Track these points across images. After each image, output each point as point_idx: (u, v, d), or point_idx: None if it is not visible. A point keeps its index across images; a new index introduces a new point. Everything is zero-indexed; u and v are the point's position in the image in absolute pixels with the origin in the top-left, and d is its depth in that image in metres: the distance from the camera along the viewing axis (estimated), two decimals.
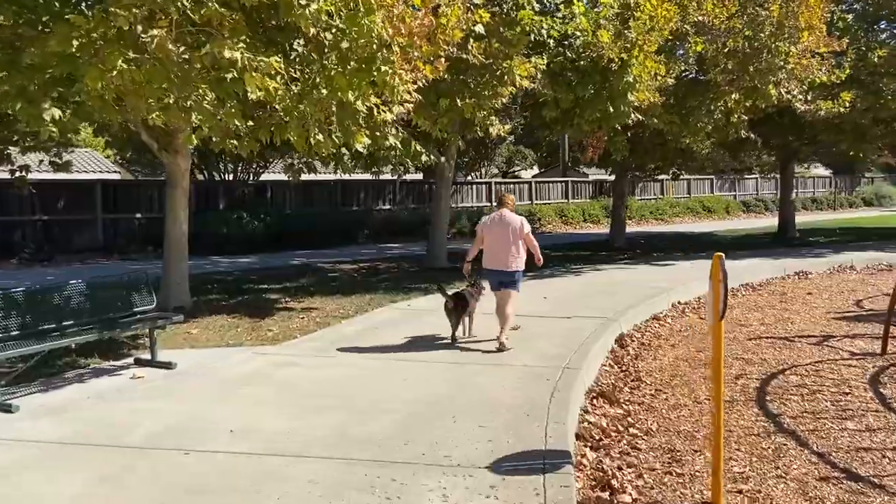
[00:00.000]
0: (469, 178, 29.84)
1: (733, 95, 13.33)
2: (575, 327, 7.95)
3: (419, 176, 25.75)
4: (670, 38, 11.93)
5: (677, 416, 5.63)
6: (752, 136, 15.63)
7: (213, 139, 6.90)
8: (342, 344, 7.47)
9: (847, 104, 14.24)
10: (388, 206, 23.46)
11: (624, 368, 7.00)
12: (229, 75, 6.24)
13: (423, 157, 10.72)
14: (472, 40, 8.55)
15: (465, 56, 8.38)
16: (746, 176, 34.19)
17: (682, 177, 27.02)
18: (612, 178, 31.28)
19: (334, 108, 7.07)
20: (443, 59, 7.07)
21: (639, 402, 5.93)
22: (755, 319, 9.28)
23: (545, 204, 27.50)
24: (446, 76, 8.54)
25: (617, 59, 10.71)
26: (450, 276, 12.74)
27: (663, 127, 13.40)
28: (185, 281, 9.55)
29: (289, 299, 10.41)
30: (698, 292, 11.06)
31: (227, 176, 21.66)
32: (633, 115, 11.44)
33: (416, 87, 6.97)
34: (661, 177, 24.53)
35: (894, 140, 16.72)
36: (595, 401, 5.87)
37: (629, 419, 5.48)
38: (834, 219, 30.85)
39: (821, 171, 44.70)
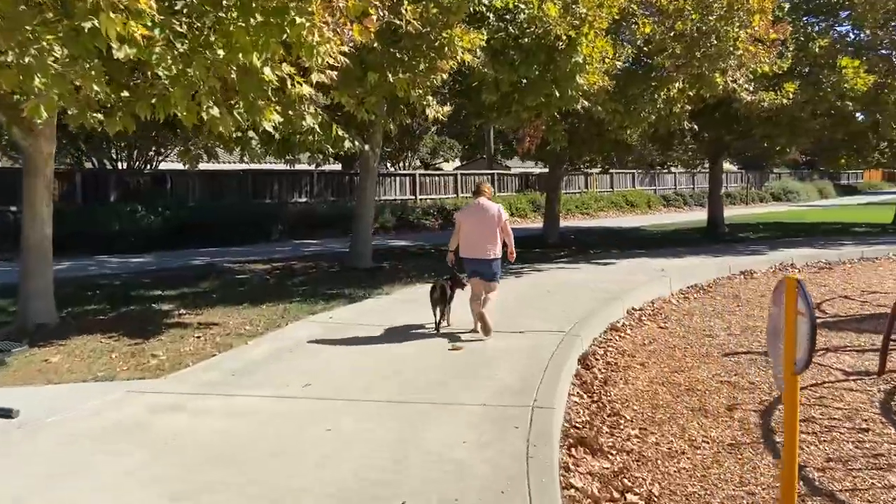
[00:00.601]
0: (392, 168, 28.34)
1: (676, 84, 12.48)
2: (532, 345, 6.70)
3: (338, 166, 24.09)
4: (617, 16, 10.88)
5: (677, 469, 4.46)
6: (695, 126, 14.90)
7: (70, 112, 5.22)
8: (247, 375, 5.94)
9: (790, 95, 13.67)
10: (304, 199, 21.68)
11: (595, 398, 5.80)
12: (87, 24, 4.62)
13: (346, 144, 9.24)
14: (406, 2, 7.13)
15: (398, 21, 6.97)
16: (668, 170, 34.19)
17: (608, 171, 26.45)
18: (538, 171, 30.65)
19: (234, 76, 5.53)
20: (374, 19, 5.63)
21: (626, 450, 4.73)
22: (720, 328, 8.33)
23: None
24: (376, 45, 7.12)
25: (564, 37, 9.53)
26: (374, 277, 11.35)
27: (605, 116, 12.38)
28: (50, 292, 7.72)
29: (184, 311, 8.71)
30: (649, 296, 10.13)
31: (120, 164, 19.39)
32: (581, 101, 10.30)
33: (341, 49, 5.50)
34: (591, 170, 23.80)
35: (832, 134, 16.41)
36: (574, 451, 4.62)
37: (623, 479, 4.25)
38: (750, 213, 31.19)
39: (730, 166, 45.68)
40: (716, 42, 11.42)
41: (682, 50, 11.42)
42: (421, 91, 8.19)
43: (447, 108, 9.20)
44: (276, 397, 5.33)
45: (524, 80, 10.10)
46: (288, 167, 18.37)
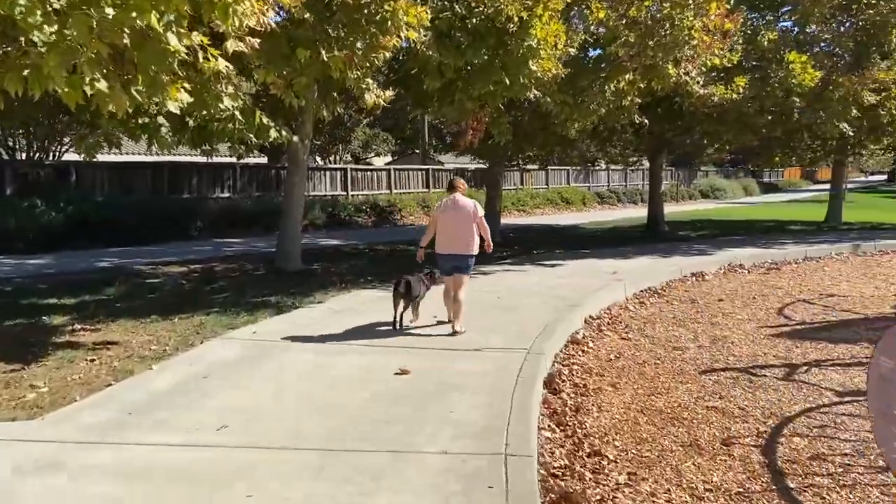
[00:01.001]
0: (321, 162, 27.00)
1: (627, 76, 11.85)
2: (492, 368, 5.81)
3: (264, 159, 22.68)
4: (569, 0, 10.12)
5: None
6: (645, 121, 14.35)
7: None
8: (147, 414, 4.80)
9: (740, 90, 13.28)
10: (227, 194, 20.18)
11: (569, 432, 4.96)
12: None
13: (272, 133, 8.12)
14: None
15: None
16: (603, 168, 34.13)
17: (546, 167, 25.93)
18: (473, 167, 29.89)
19: (128, 41, 4.40)
20: None
21: None
22: (687, 339, 7.67)
23: (405, 193, 25.36)
24: (307, 16, 6.06)
25: (516, 18, 8.68)
26: (305, 281, 10.24)
27: (553, 108, 11.63)
28: None
29: (80, 326, 7.42)
30: (605, 302, 9.43)
31: (19, 154, 17.49)
32: (532, 90, 9.47)
33: (262, 9, 4.44)
34: (529, 166, 23.19)
35: (771, 131, 16.17)
36: None
37: None
38: (682, 210, 31.45)
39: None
40: (670, 31, 10.82)
41: (636, 38, 10.77)
42: (359, 73, 7.15)
43: (389, 93, 8.20)
44: (183, 446, 4.24)
45: (471, 66, 9.21)
46: (207, 159, 16.88)
